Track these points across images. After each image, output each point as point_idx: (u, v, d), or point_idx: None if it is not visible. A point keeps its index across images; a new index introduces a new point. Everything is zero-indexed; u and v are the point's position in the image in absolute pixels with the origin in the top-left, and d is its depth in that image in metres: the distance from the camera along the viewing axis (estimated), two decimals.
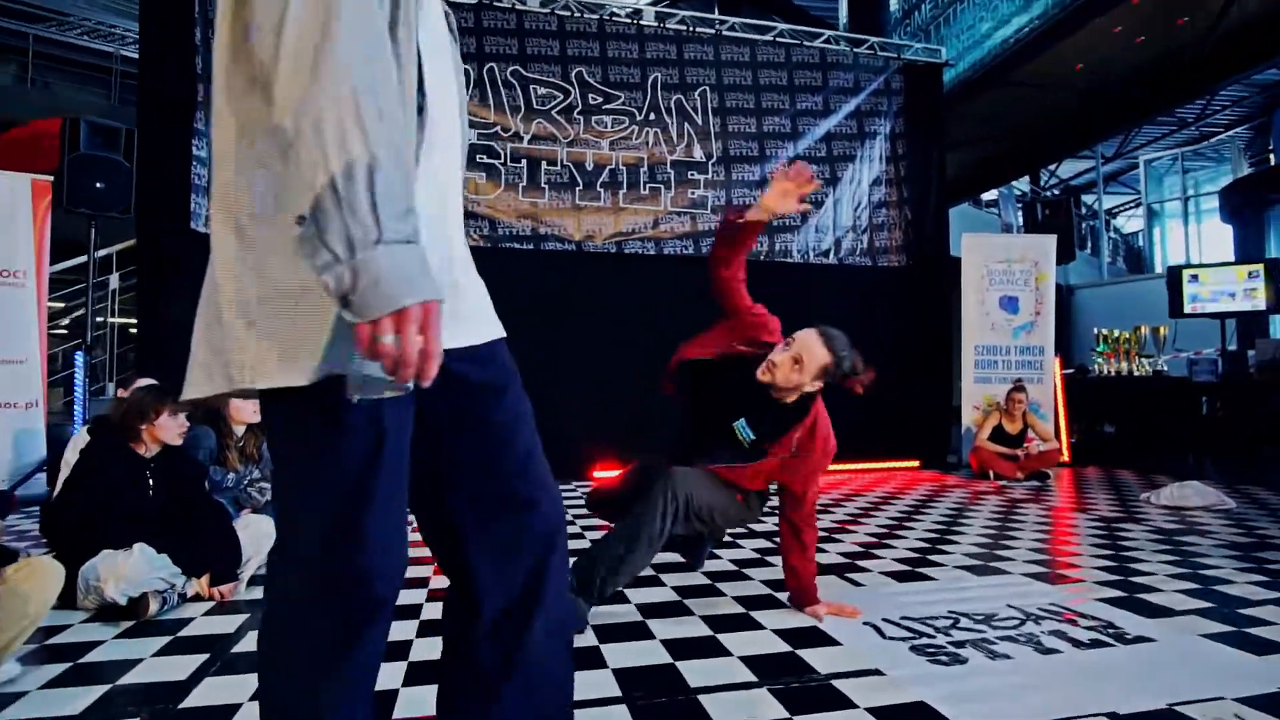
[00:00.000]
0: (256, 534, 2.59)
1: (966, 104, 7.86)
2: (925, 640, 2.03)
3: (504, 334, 1.05)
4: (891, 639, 2.04)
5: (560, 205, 5.86)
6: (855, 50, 6.61)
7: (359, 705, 0.88)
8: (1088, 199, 19.91)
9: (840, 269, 6.44)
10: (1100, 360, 6.62)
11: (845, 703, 1.63)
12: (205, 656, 1.90)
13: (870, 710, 1.58)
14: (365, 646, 0.87)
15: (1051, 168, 20.04)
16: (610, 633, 2.07)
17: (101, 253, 5.31)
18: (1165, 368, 6.58)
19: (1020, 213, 12.13)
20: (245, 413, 3.02)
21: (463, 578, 0.97)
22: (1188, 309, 6.41)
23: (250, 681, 1.71)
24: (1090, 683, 1.74)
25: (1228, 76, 7.45)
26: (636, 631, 2.10)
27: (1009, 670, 1.82)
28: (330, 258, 0.68)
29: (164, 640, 2.03)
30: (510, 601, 0.95)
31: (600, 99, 5.96)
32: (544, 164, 5.84)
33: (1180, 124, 16.54)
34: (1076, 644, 2.00)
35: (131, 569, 2.15)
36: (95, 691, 1.68)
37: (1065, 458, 6.26)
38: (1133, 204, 23.91)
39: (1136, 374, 6.49)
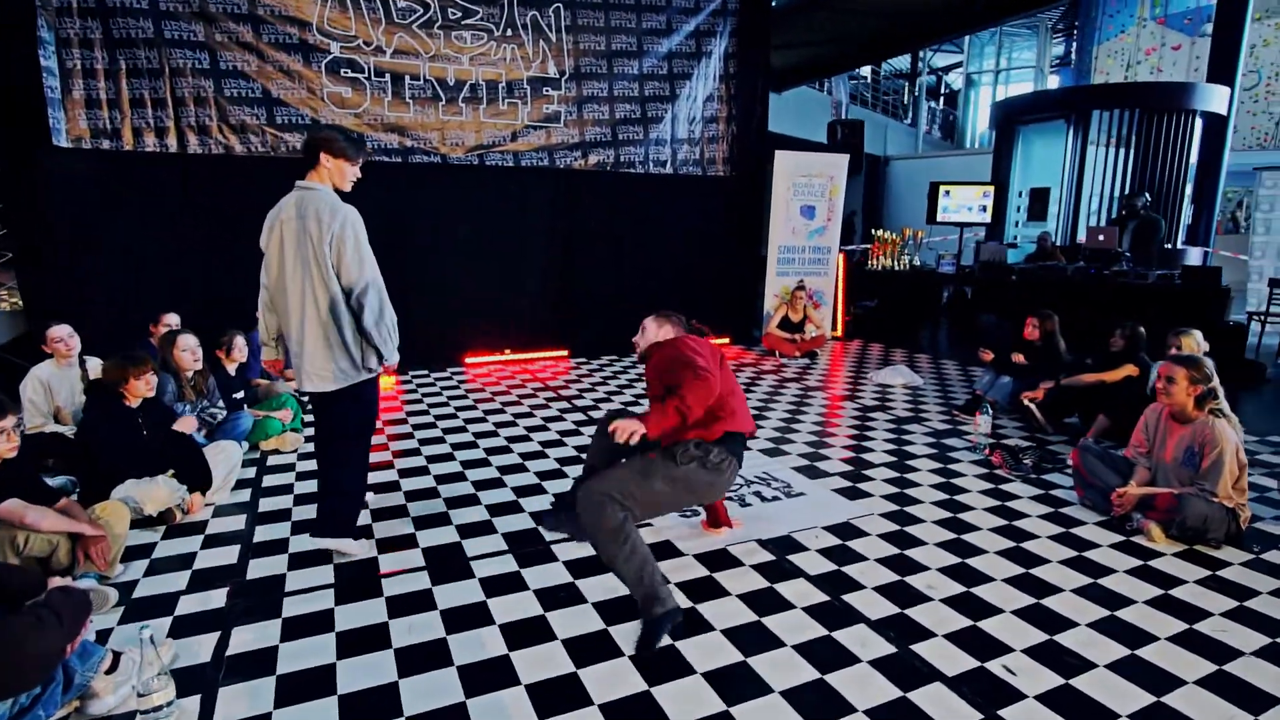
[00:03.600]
0: (228, 456, 3.57)
1: (804, 16, 8.74)
2: None
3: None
4: None
5: (425, 119, 6.36)
6: None
7: None
8: (926, 59, 21.46)
9: (675, 178, 7.52)
10: (872, 256, 8.39)
11: None
12: (238, 547, 3.00)
13: None
14: None
15: None
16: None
17: None
18: (919, 262, 8.49)
19: (847, 109, 13.46)
20: (186, 361, 3.83)
21: None
22: (939, 218, 8.19)
23: (280, 562, 2.86)
24: (758, 523, 3.29)
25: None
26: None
27: None
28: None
29: (200, 537, 3.08)
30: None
31: (459, 14, 6.31)
32: (407, 78, 6.24)
33: None
34: (763, 499, 3.57)
35: (159, 493, 3.12)
36: (184, 575, 2.76)
37: (837, 333, 8.17)
38: (959, 65, 26.02)
39: (898, 269, 8.36)
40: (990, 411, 4.38)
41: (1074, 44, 23.09)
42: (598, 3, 6.84)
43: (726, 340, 7.95)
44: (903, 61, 24.30)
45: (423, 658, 2.25)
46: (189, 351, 3.79)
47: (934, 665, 2.25)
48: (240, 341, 4.29)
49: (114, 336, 4.63)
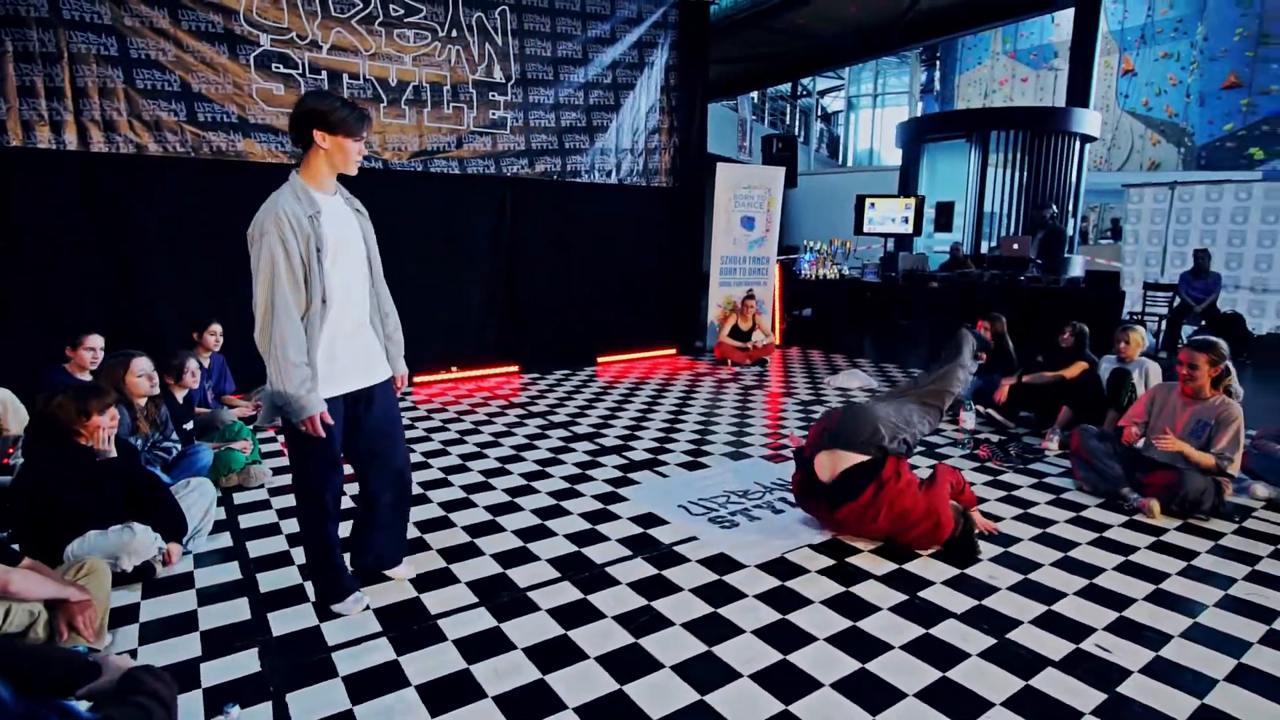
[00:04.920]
0: (201, 495, 3.09)
1: (737, 33, 8.97)
2: (714, 514, 3.41)
3: (385, 377, 2.55)
4: (696, 516, 3.39)
5: None
6: None
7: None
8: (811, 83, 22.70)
9: (619, 188, 7.43)
10: (807, 267, 8.69)
11: (681, 559, 2.93)
12: (245, 599, 2.58)
13: (698, 561, 2.90)
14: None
15: None
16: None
17: None
18: (848, 271, 8.87)
19: (752, 126, 13.95)
20: (143, 387, 3.29)
21: (364, 487, 2.60)
22: (866, 229, 8.62)
23: (305, 613, 2.48)
24: (801, 530, 3.25)
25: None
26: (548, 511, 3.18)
27: (760, 528, 3.27)
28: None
29: (190, 592, 2.63)
30: (392, 499, 2.61)
31: (401, 10, 5.93)
32: (345, 76, 5.79)
33: None
34: (793, 505, 3.53)
35: (138, 545, 2.63)
36: (193, 639, 2.33)
37: (777, 341, 8.37)
38: (838, 89, 27.78)
39: (829, 277, 8.70)
40: (973, 408, 4.60)
41: (936, 73, 25.33)
42: (544, 7, 6.66)
43: (673, 351, 7.93)
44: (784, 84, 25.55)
45: (527, 703, 2.01)
46: (145, 376, 3.25)
47: (1037, 651, 2.29)
48: (193, 364, 3.74)
49: (14, 364, 3.93)
